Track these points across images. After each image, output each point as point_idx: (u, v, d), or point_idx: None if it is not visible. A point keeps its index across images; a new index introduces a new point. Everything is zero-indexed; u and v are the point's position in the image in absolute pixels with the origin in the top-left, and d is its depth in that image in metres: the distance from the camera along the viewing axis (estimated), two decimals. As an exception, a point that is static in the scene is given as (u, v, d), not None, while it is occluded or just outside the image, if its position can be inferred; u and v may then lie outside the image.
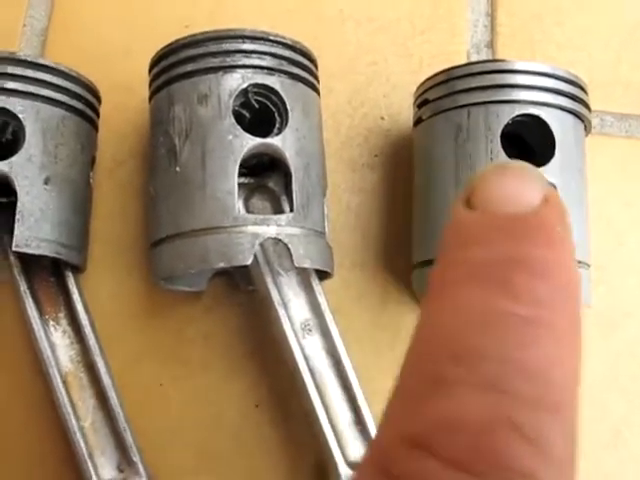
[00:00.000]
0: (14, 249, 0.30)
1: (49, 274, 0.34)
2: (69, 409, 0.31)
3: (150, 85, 0.34)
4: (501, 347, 0.14)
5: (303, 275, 0.33)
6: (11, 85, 0.31)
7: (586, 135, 0.34)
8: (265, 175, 0.34)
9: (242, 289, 0.37)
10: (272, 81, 0.32)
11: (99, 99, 0.36)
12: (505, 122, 0.32)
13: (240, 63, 0.31)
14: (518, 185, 0.16)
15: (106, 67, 0.40)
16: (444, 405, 0.14)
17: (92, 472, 0.30)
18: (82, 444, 0.31)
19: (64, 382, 0.32)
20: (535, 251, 0.15)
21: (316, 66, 0.35)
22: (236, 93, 0.31)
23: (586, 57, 0.41)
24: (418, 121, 0.35)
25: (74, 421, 0.31)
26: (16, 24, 0.41)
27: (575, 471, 0.15)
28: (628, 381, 0.37)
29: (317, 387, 0.32)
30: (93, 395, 0.33)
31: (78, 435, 0.31)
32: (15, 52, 0.32)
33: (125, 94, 0.40)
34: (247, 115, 0.32)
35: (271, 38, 0.32)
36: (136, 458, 0.32)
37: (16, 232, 0.30)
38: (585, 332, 0.38)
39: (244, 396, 0.36)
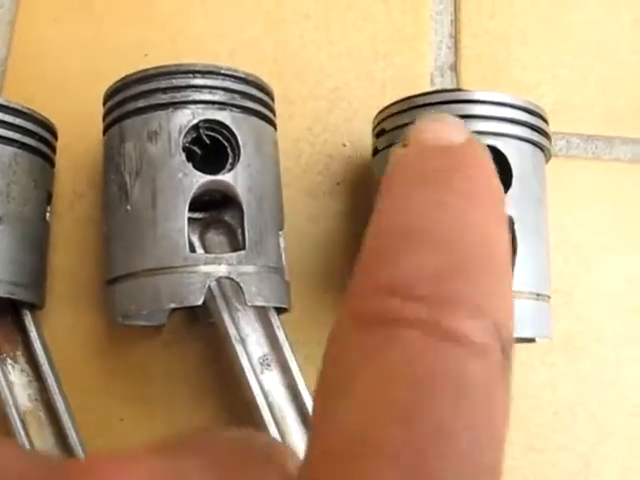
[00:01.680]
0: (-39, 293, 0.30)
1: (6, 312, 0.33)
2: (27, 448, 0.31)
3: (103, 120, 0.34)
4: (441, 219, 0.18)
5: (261, 310, 0.33)
6: (-43, 123, 0.31)
7: (546, 162, 0.34)
8: (220, 209, 0.33)
9: (202, 322, 0.37)
10: (223, 116, 0.31)
11: (55, 134, 0.35)
12: (461, 153, 0.31)
13: (190, 99, 0.31)
14: (444, 128, 0.20)
15: (67, 96, 0.40)
16: (413, 258, 0.17)
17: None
18: None
19: (22, 421, 0.32)
20: (462, 162, 0.19)
21: (272, 98, 0.34)
22: (186, 130, 0.31)
23: (551, 78, 0.41)
24: (375, 151, 0.35)
25: None
26: (-26, 54, 0.41)
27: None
28: (597, 409, 0.37)
29: (276, 422, 0.32)
30: (52, 434, 0.32)
31: None
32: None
33: (85, 123, 0.39)
34: (198, 152, 0.31)
35: (222, 72, 0.32)
36: None
37: (-36, 275, 0.30)
38: (552, 359, 0.38)
39: (206, 430, 0.36)
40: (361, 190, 0.38)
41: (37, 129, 0.33)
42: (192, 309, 0.36)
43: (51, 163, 0.35)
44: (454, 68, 0.41)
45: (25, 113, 0.33)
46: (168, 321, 0.36)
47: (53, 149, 0.35)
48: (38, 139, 0.33)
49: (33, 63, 0.41)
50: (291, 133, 0.38)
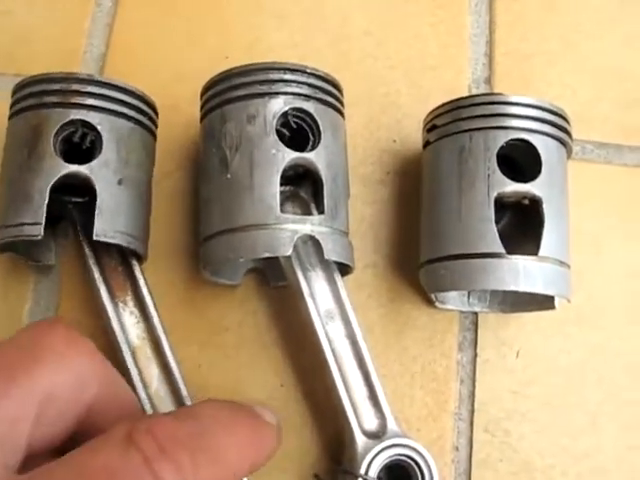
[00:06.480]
0: (95, 238, 0.35)
1: (118, 263, 0.39)
2: (137, 378, 0.36)
3: (203, 105, 0.40)
4: None
5: (328, 270, 0.39)
6: (90, 102, 0.37)
7: (568, 157, 0.41)
8: (296, 184, 0.40)
9: (271, 285, 0.43)
10: (308, 106, 0.38)
11: (157, 114, 0.42)
12: (500, 145, 0.38)
13: (282, 90, 0.37)
14: None
15: (156, 89, 0.46)
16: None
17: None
18: (149, 409, 0.36)
19: (133, 354, 0.37)
20: None
21: (342, 95, 0.41)
22: (279, 115, 0.37)
23: (571, 93, 0.48)
24: (427, 143, 0.41)
25: (142, 388, 0.36)
26: (77, 50, 0.48)
27: None
28: (605, 373, 0.43)
29: (338, 366, 0.38)
30: (157, 366, 0.38)
31: (145, 402, 0.36)
32: (92, 74, 0.38)
33: (170, 113, 0.45)
34: (287, 133, 0.38)
35: (308, 71, 0.38)
36: None
37: (96, 224, 0.36)
38: (567, 329, 0.44)
39: (271, 377, 0.42)
40: (407, 178, 0.45)
41: (147, 109, 0.40)
42: (264, 273, 0.43)
43: (155, 138, 0.41)
44: (488, 81, 0.48)
45: (138, 95, 0.39)
46: (241, 282, 0.42)
47: (156, 126, 0.41)
48: (148, 118, 0.40)
49: (128, 60, 0.48)
50: (349, 130, 0.45)
